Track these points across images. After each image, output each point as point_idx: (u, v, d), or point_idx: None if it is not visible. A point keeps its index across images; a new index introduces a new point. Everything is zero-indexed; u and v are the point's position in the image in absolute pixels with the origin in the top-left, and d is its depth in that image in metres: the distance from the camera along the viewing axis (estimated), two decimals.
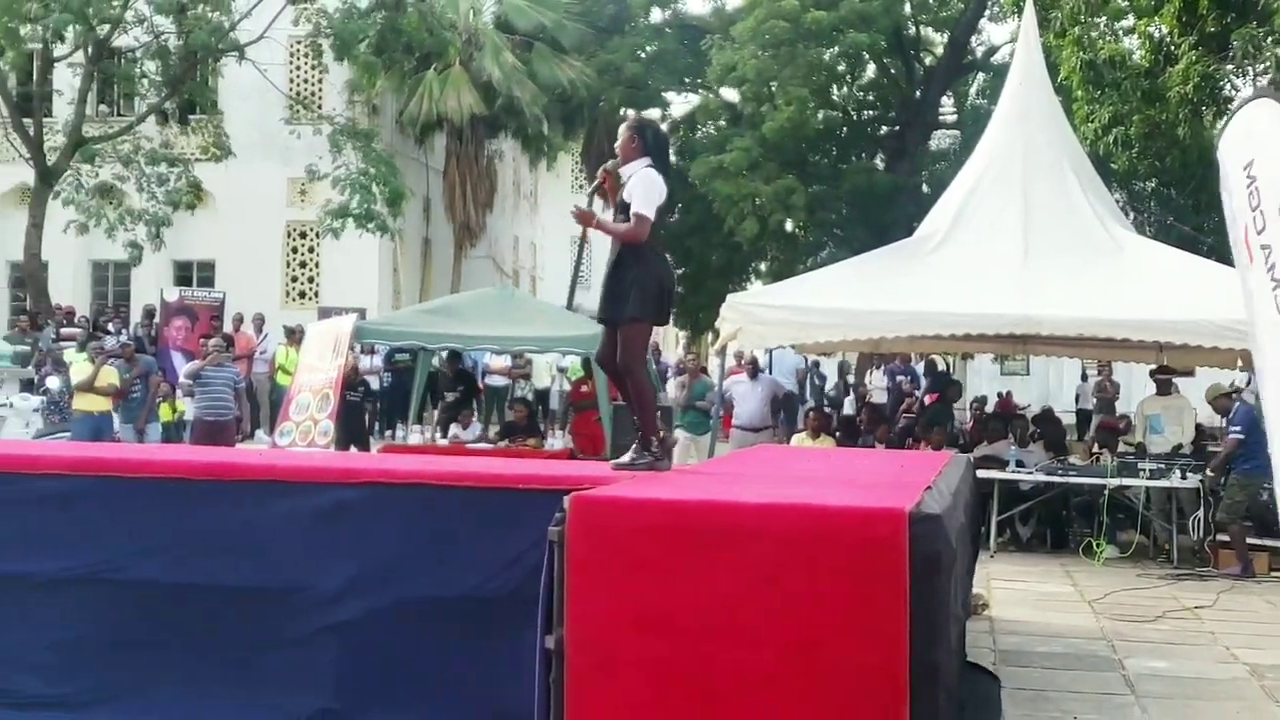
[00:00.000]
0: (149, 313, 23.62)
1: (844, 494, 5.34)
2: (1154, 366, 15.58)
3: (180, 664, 5.89)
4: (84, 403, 15.26)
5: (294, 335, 19.71)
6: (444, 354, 17.49)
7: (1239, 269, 7.37)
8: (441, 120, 30.15)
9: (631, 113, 33.86)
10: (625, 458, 6.57)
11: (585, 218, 6.73)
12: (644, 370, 6.84)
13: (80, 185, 25.57)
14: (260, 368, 21.49)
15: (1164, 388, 15.42)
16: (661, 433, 6.85)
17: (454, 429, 16.43)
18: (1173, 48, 17.62)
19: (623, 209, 6.66)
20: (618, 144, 6.84)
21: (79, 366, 15.76)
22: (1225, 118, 7.51)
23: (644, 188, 6.59)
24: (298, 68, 30.83)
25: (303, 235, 30.90)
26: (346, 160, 26.52)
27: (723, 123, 31.84)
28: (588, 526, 4.80)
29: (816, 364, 23.35)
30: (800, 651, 4.56)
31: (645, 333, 6.77)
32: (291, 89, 30.37)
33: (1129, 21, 22.03)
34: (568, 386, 22.89)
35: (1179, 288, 13.21)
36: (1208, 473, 12.74)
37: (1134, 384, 26.35)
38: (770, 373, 21.03)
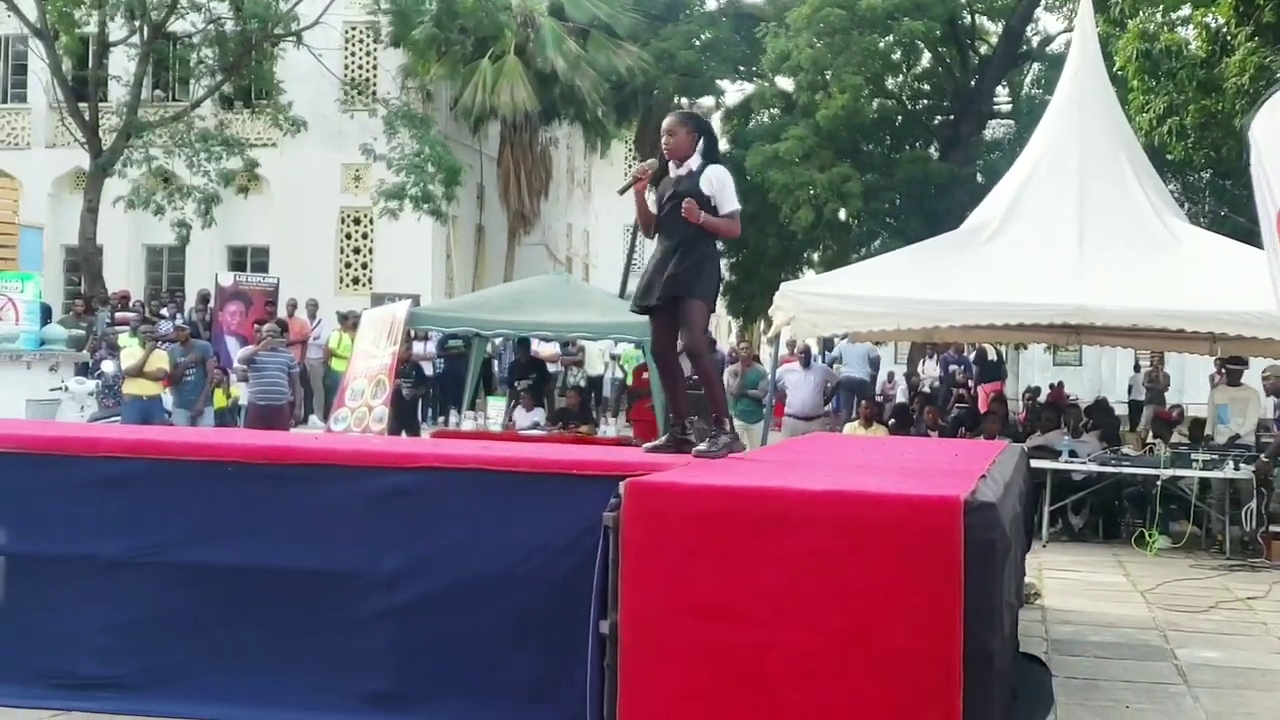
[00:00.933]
0: (203, 297, 23.83)
1: (898, 482, 5.34)
2: (1227, 356, 15.45)
3: (235, 647, 5.92)
4: (134, 387, 15.37)
5: (347, 321, 19.84)
6: (512, 341, 17.53)
7: (1269, 256, 7.26)
8: (495, 111, 30.22)
9: (685, 102, 33.89)
10: (703, 445, 6.55)
11: (695, 213, 6.57)
12: (710, 354, 6.87)
13: (129, 160, 25.76)
14: (314, 353, 21.63)
15: (1234, 378, 15.29)
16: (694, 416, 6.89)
17: (516, 413, 16.50)
18: (1229, 38, 17.44)
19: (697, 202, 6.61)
20: (672, 138, 6.75)
21: (130, 351, 15.87)
22: (1261, 99, 7.42)
23: (727, 185, 6.68)
24: (352, 53, 30.99)
25: (356, 221, 31.08)
26: (402, 142, 26.65)
27: (777, 111, 31.77)
28: (643, 512, 4.83)
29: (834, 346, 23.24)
30: (854, 639, 4.57)
31: (708, 314, 6.80)
32: (346, 75, 30.55)
33: (1185, 11, 21.82)
34: (620, 374, 22.96)
35: (1234, 279, 13.08)
36: (1261, 458, 12.64)
37: (1186, 375, 26.20)
38: (841, 360, 21.12)
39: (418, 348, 20.44)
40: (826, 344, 23.25)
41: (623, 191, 7.04)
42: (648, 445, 6.95)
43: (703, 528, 4.78)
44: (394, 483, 5.90)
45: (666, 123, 6.94)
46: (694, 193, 6.60)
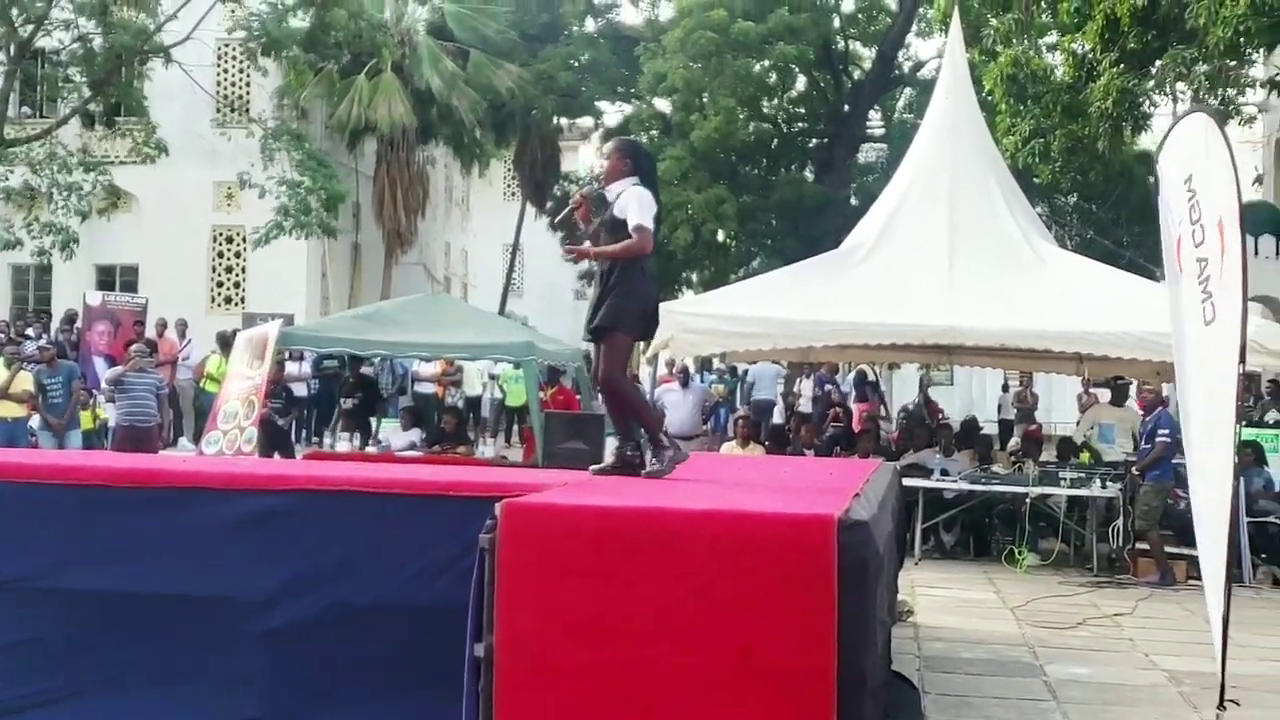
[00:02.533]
0: (69, 318, 23.26)
1: (774, 500, 5.38)
2: (1106, 377, 15.78)
3: (106, 674, 5.81)
4: None
5: (228, 345, 19.45)
6: (344, 359, 17.28)
7: (1168, 282, 7.51)
8: (371, 126, 29.95)
9: (564, 122, 33.85)
10: (650, 467, 6.64)
11: (581, 254, 6.91)
12: (626, 380, 6.94)
13: None
14: (184, 374, 21.21)
15: (1120, 397, 15.58)
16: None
17: (385, 434, 16.28)
18: (1095, 64, 17.90)
19: (613, 227, 6.73)
20: (604, 164, 6.99)
21: None
22: (1166, 131, 7.69)
23: (638, 202, 6.71)
24: (225, 70, 30.53)
25: (229, 240, 30.57)
26: (280, 171, 26.31)
27: (655, 133, 31.97)
28: (519, 533, 4.79)
29: (745, 372, 23.48)
30: (732, 657, 4.58)
31: (625, 344, 6.85)
32: (219, 91, 30.09)
33: (1052, 38, 22.36)
34: (499, 394, 22.84)
35: (1099, 300, 13.43)
36: (1133, 471, 12.90)
37: (1053, 395, 26.75)
38: (750, 381, 21.36)
39: (292, 368, 20.14)
40: (713, 365, 23.49)
41: (561, 221, 7.18)
42: (595, 468, 6.94)
43: (580, 549, 4.76)
44: (265, 505, 5.81)
45: (605, 147, 7.15)
46: (610, 218, 6.75)
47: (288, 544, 5.75)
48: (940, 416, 20.79)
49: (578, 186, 7.90)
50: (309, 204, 26.12)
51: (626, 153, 6.95)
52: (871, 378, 23.29)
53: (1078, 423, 17.03)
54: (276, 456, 14.94)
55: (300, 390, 20.36)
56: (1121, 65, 17.22)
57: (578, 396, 18.09)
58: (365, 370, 20.22)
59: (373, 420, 17.42)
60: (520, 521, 4.82)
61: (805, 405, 21.37)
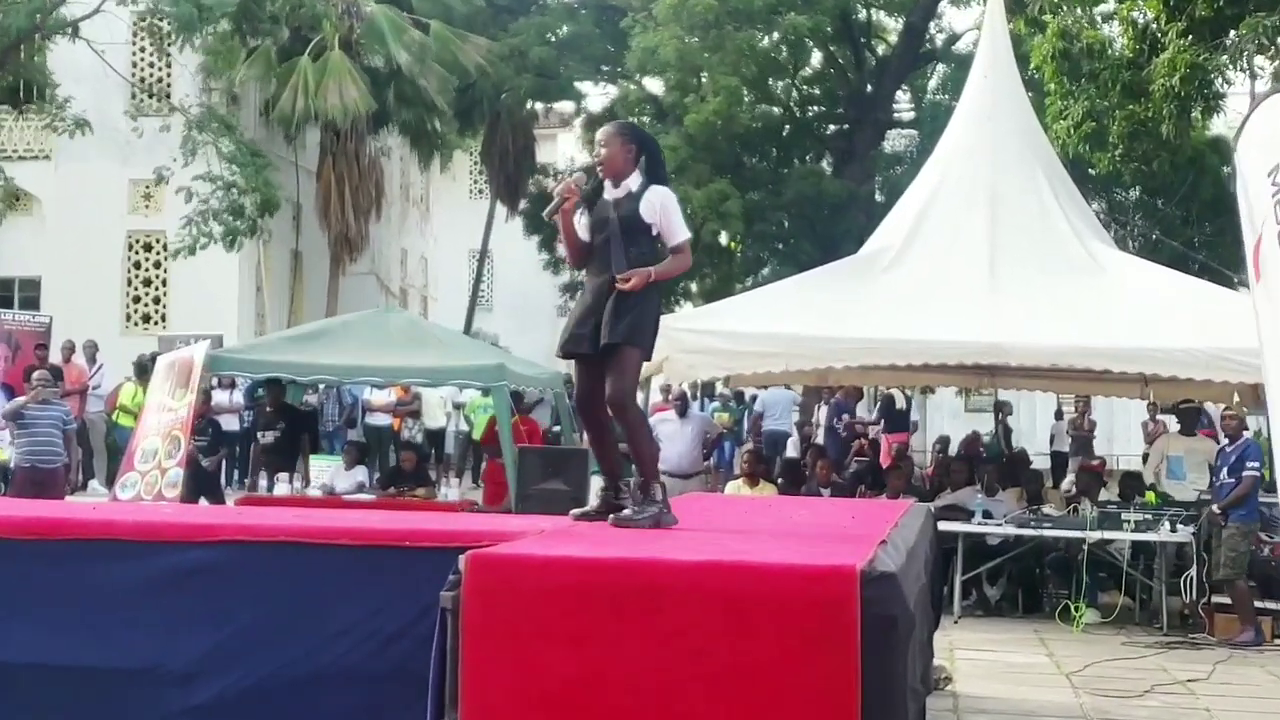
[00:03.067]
0: None
1: (786, 549, 5.39)
2: (1180, 399, 15.78)
3: None
4: None
5: (146, 372, 19.43)
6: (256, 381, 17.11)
7: (1253, 291, 7.52)
8: (317, 114, 29.83)
9: (540, 107, 33.79)
10: (626, 511, 6.60)
11: (641, 278, 6.64)
12: (636, 404, 6.95)
13: None
14: (94, 405, 21.18)
15: (1189, 425, 15.56)
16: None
17: (325, 476, 16.24)
18: (1159, 35, 17.94)
19: (632, 230, 6.72)
20: (603, 152, 6.83)
21: None
22: (1246, 114, 7.70)
23: (673, 211, 6.80)
24: (142, 49, 30.52)
25: (147, 248, 30.55)
26: (207, 166, 26.28)
27: (646, 118, 32.01)
28: (487, 590, 4.80)
29: (754, 399, 23.53)
30: None
31: (640, 363, 6.86)
32: (134, 74, 30.06)
33: (1110, 5, 22.43)
34: (465, 426, 22.81)
35: (1167, 312, 13.44)
36: (1214, 510, 12.84)
37: (1115, 422, 26.76)
38: (760, 409, 21.40)
39: (220, 398, 20.11)
40: (715, 391, 23.54)
41: (549, 216, 7.03)
42: (576, 512, 6.90)
43: (559, 607, 4.76)
44: (189, 560, 5.82)
45: (600, 134, 7.04)
46: (632, 218, 6.71)
47: (215, 605, 5.76)
48: (982, 450, 20.80)
49: (568, 178, 7.66)
50: (242, 205, 26.10)
51: (631, 138, 6.91)
52: (900, 404, 23.30)
53: (1144, 456, 17.03)
54: (203, 502, 14.93)
55: (230, 424, 20.31)
56: (1190, 36, 17.27)
57: (557, 428, 18.09)
58: (308, 398, 20.21)
59: (302, 458, 17.26)
60: (489, 576, 4.82)
61: (822, 436, 21.39)
